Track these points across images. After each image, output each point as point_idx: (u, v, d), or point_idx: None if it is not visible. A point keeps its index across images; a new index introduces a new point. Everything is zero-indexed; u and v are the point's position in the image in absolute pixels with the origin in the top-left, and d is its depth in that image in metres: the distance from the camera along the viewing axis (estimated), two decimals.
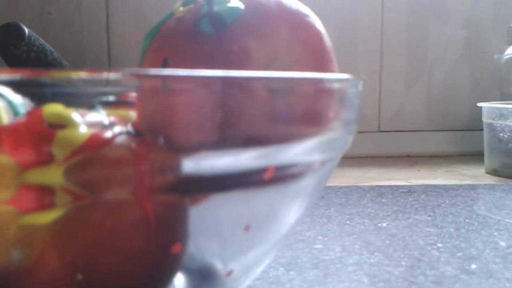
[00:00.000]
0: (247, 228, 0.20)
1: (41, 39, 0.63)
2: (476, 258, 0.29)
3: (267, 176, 0.18)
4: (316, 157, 0.19)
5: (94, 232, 0.16)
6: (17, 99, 0.17)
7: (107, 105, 0.17)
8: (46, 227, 0.16)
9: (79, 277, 0.16)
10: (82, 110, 0.17)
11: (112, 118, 0.17)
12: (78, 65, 0.75)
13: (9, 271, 0.16)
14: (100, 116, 0.17)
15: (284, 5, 0.23)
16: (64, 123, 0.16)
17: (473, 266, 0.28)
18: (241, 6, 0.22)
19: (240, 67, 0.20)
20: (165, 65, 0.21)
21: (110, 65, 0.79)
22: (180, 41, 0.21)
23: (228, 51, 0.20)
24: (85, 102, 0.17)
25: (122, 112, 0.17)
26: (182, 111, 0.16)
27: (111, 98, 0.17)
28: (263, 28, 0.21)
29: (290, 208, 0.21)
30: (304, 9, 0.24)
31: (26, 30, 0.59)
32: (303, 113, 0.18)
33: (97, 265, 0.16)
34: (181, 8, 0.22)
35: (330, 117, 0.20)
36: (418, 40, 0.81)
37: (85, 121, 0.16)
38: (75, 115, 0.16)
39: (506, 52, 0.74)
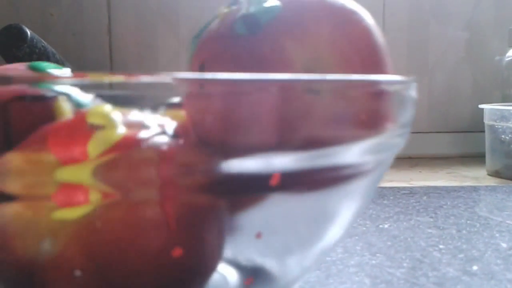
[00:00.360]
0: (302, 228, 0.20)
1: (43, 41, 0.63)
2: (477, 259, 0.29)
3: (320, 178, 0.18)
4: (371, 158, 0.19)
5: (115, 229, 0.16)
6: (86, 98, 0.18)
7: (170, 106, 0.17)
8: (73, 221, 0.16)
9: (99, 273, 0.16)
10: (130, 111, 0.17)
11: (161, 120, 0.17)
12: (80, 67, 0.75)
13: (35, 262, 0.17)
14: (146, 117, 0.17)
15: (326, 0, 0.21)
16: (104, 124, 0.17)
17: (475, 268, 0.28)
18: (278, 5, 0.21)
19: (273, 70, 0.19)
20: (202, 69, 0.21)
21: (112, 67, 0.79)
22: (216, 44, 0.21)
23: (261, 54, 0.20)
24: (147, 104, 0.17)
25: (177, 113, 0.18)
26: (241, 115, 0.16)
27: (174, 100, 0.17)
28: (301, 27, 0.20)
29: (343, 210, 0.21)
30: (351, 4, 0.22)
31: (28, 32, 0.60)
32: (359, 115, 0.18)
33: (116, 262, 0.16)
34: (224, 10, 0.22)
35: (386, 119, 0.19)
36: (419, 42, 0.81)
37: (127, 122, 0.17)
38: (117, 115, 0.17)
39: (507, 54, 0.74)
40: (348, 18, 0.21)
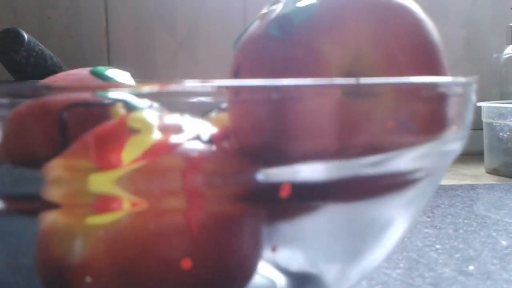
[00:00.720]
0: (355, 236, 0.20)
1: (40, 44, 0.63)
2: (474, 259, 0.29)
3: (375, 185, 0.17)
4: (428, 164, 0.18)
5: (138, 235, 0.16)
6: (143, 103, 0.18)
7: (221, 111, 0.17)
8: (102, 226, 0.16)
9: (122, 277, 0.16)
10: (173, 115, 0.17)
11: (201, 125, 0.17)
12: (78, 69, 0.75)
13: (65, 265, 0.17)
14: (186, 122, 0.17)
15: None
16: (141, 128, 0.17)
17: (471, 268, 0.28)
18: (314, 3, 0.19)
19: (307, 73, 0.18)
20: (237, 73, 0.20)
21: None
22: (250, 47, 0.20)
23: (293, 56, 0.19)
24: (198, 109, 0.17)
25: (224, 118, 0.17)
26: (298, 121, 0.16)
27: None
28: (338, 26, 0.19)
29: (398, 218, 0.20)
30: None
31: (26, 36, 0.60)
32: (419, 120, 0.17)
33: (138, 268, 0.16)
34: (264, 11, 0.21)
35: (448, 123, 0.18)
36: None
37: (164, 126, 0.17)
38: (154, 119, 0.17)
39: (505, 52, 0.74)
40: (393, 13, 0.19)
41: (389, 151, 0.17)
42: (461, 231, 0.35)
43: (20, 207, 0.17)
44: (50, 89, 0.16)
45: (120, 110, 0.19)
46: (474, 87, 0.20)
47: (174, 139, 0.17)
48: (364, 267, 0.21)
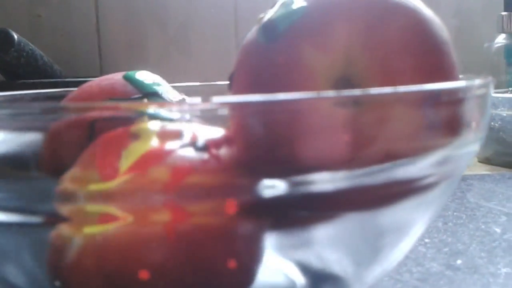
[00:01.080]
0: (373, 239, 0.20)
1: (30, 44, 0.63)
2: (462, 253, 0.30)
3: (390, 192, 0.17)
4: (445, 167, 0.18)
5: (120, 245, 0.16)
6: (173, 115, 0.17)
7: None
8: (93, 235, 0.16)
9: (108, 282, 0.17)
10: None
11: (204, 131, 0.17)
12: (69, 68, 0.75)
13: (60, 263, 0.17)
14: (189, 128, 0.17)
15: None
16: (140, 134, 0.17)
17: (459, 262, 0.28)
18: (302, 8, 0.18)
19: (290, 80, 0.18)
20: (231, 79, 0.20)
21: (101, 66, 0.79)
22: (242, 53, 0.20)
23: (277, 63, 0.18)
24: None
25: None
26: (311, 131, 0.15)
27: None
28: (325, 30, 0.18)
29: (418, 219, 0.20)
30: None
31: (16, 36, 0.60)
32: (436, 126, 0.17)
33: (123, 275, 0.17)
34: (261, 15, 0.20)
35: (464, 126, 0.18)
36: None
37: (164, 133, 0.17)
38: (155, 126, 0.16)
39: (496, 40, 0.74)
40: (388, 12, 0.18)
41: (403, 159, 0.16)
42: (450, 224, 0.35)
43: (36, 220, 0.17)
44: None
45: (146, 122, 0.19)
46: (491, 87, 0.20)
47: (167, 146, 0.17)
48: (383, 267, 0.21)
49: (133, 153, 0.17)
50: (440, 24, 0.19)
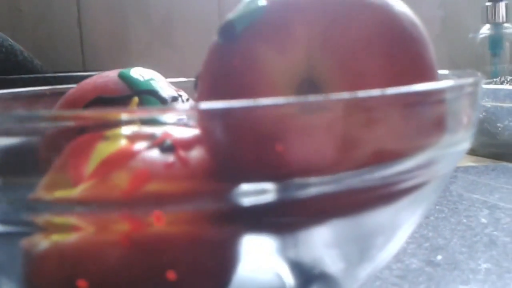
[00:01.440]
0: (362, 240, 0.19)
1: (10, 39, 0.62)
2: (442, 248, 0.29)
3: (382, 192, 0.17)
4: (433, 168, 0.17)
5: (80, 252, 0.16)
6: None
7: None
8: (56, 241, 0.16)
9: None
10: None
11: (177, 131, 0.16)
12: (51, 62, 0.74)
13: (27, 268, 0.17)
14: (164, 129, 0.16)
15: None
16: (109, 136, 0.16)
17: (439, 257, 0.28)
18: (262, 7, 0.17)
19: (246, 84, 0.17)
20: (196, 81, 0.19)
21: (83, 60, 0.78)
22: (206, 54, 0.19)
23: (231, 66, 0.17)
24: None
25: None
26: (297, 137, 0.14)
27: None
28: (283, 31, 0.17)
29: (408, 219, 0.20)
30: None
31: None
32: (424, 127, 0.16)
33: (79, 277, 0.16)
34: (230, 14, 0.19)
35: (449, 126, 0.17)
36: None
37: (135, 134, 0.16)
38: (129, 129, 0.16)
39: (481, 31, 0.74)
40: (351, 10, 0.17)
41: (387, 162, 0.16)
42: (432, 218, 0.35)
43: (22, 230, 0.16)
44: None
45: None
46: (481, 86, 0.19)
47: (133, 147, 0.16)
48: (374, 266, 0.21)
49: (98, 155, 0.16)
50: (413, 20, 0.18)
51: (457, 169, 0.50)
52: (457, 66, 0.82)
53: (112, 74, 0.25)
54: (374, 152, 0.16)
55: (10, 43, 0.61)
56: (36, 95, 0.30)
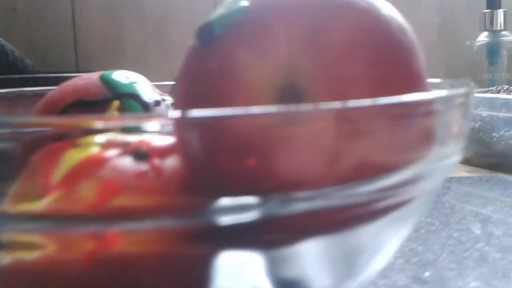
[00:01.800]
0: (346, 257, 0.19)
1: (1, 39, 0.61)
2: (431, 264, 0.29)
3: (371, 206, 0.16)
4: (422, 183, 0.17)
5: (37, 269, 0.15)
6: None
7: None
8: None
9: None
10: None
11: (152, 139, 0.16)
12: (44, 62, 0.74)
13: None
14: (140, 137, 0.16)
15: None
16: (81, 143, 0.15)
17: (427, 274, 0.27)
18: (243, 8, 0.17)
19: (223, 89, 0.16)
20: (175, 87, 0.18)
21: (77, 61, 0.77)
22: (184, 57, 0.18)
23: (209, 70, 0.16)
24: None
25: None
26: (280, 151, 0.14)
27: None
28: (264, 35, 0.16)
29: (395, 234, 0.19)
30: None
31: None
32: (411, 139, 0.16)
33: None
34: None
35: (437, 138, 0.17)
36: None
37: (108, 142, 0.15)
38: (99, 137, 0.15)
39: (478, 39, 0.73)
40: (335, 13, 0.16)
41: (372, 176, 0.15)
42: (422, 231, 0.34)
43: None
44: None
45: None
46: (473, 96, 0.18)
47: (104, 154, 0.15)
48: (359, 282, 0.20)
49: (67, 162, 0.16)
50: (401, 25, 0.17)
51: (450, 179, 0.49)
52: (453, 73, 0.81)
53: (93, 77, 0.24)
54: (357, 166, 0.15)
55: (1, 42, 0.60)
56: (16, 96, 0.30)
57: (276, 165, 0.14)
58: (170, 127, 0.14)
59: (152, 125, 0.14)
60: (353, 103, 0.14)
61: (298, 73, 0.16)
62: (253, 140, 0.14)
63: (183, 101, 0.17)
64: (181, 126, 0.14)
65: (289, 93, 0.16)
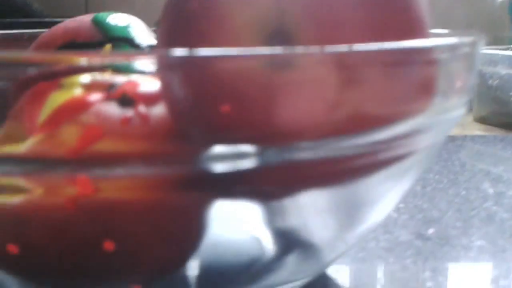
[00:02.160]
0: (348, 208, 0.18)
1: None
2: (435, 221, 0.28)
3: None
4: (424, 135, 0.16)
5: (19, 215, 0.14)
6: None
7: None
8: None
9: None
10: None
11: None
12: (54, 7, 0.72)
13: None
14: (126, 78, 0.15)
15: None
16: (64, 84, 0.14)
17: (430, 231, 0.26)
18: None
19: (203, 29, 0.15)
20: (157, 26, 0.18)
21: (87, 5, 0.76)
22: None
23: (189, 10, 0.15)
24: None
25: None
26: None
27: None
28: None
29: (397, 186, 0.19)
30: None
31: None
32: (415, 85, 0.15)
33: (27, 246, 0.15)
34: None
35: (436, 91, 0.16)
36: None
37: (92, 83, 0.14)
38: (86, 77, 0.14)
39: None
40: None
41: (372, 126, 0.14)
42: (429, 188, 0.33)
43: None
44: None
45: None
46: (479, 48, 0.17)
47: (88, 97, 0.15)
48: (357, 236, 0.19)
49: (51, 104, 0.15)
50: None
51: (464, 137, 0.48)
52: (474, 30, 0.79)
53: (86, 19, 0.23)
54: (353, 116, 0.14)
55: None
56: (14, 38, 0.29)
57: (263, 112, 0.14)
58: (151, 67, 0.13)
59: (133, 62, 0.13)
60: (344, 47, 0.13)
61: (286, 16, 0.15)
62: (239, 85, 0.13)
63: (163, 43, 0.16)
64: (163, 66, 0.13)
65: (277, 38, 0.15)
